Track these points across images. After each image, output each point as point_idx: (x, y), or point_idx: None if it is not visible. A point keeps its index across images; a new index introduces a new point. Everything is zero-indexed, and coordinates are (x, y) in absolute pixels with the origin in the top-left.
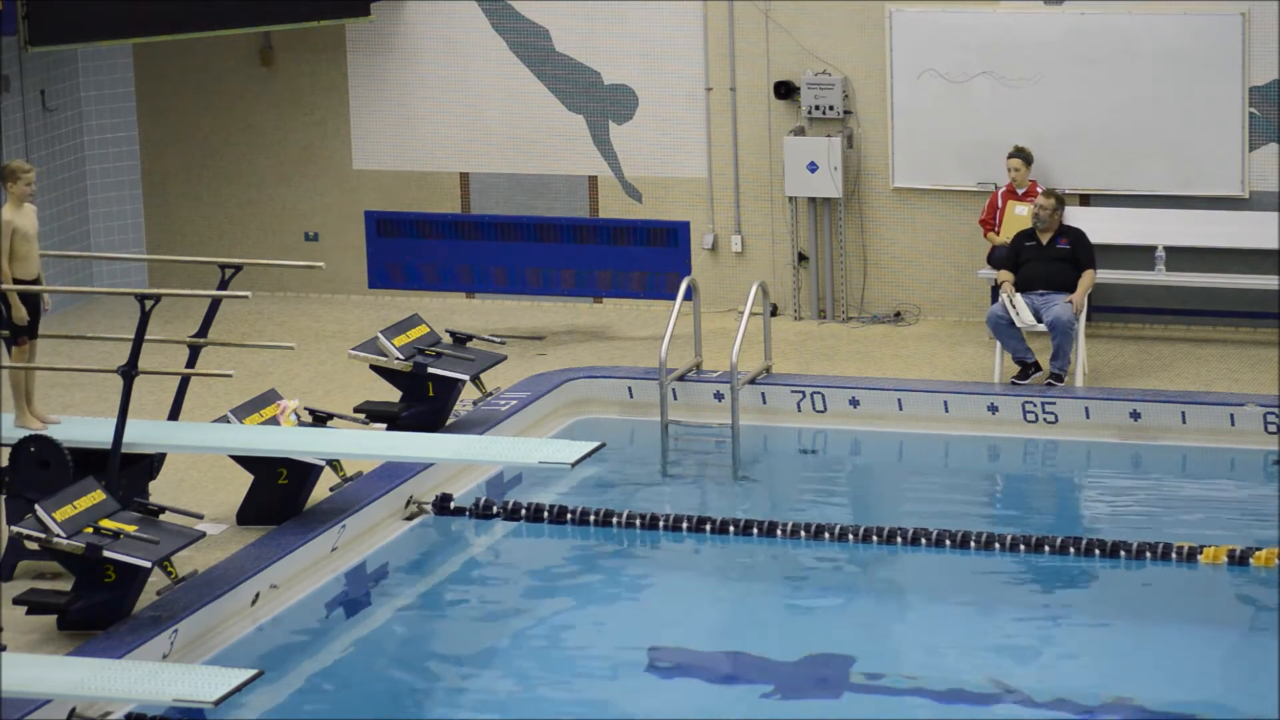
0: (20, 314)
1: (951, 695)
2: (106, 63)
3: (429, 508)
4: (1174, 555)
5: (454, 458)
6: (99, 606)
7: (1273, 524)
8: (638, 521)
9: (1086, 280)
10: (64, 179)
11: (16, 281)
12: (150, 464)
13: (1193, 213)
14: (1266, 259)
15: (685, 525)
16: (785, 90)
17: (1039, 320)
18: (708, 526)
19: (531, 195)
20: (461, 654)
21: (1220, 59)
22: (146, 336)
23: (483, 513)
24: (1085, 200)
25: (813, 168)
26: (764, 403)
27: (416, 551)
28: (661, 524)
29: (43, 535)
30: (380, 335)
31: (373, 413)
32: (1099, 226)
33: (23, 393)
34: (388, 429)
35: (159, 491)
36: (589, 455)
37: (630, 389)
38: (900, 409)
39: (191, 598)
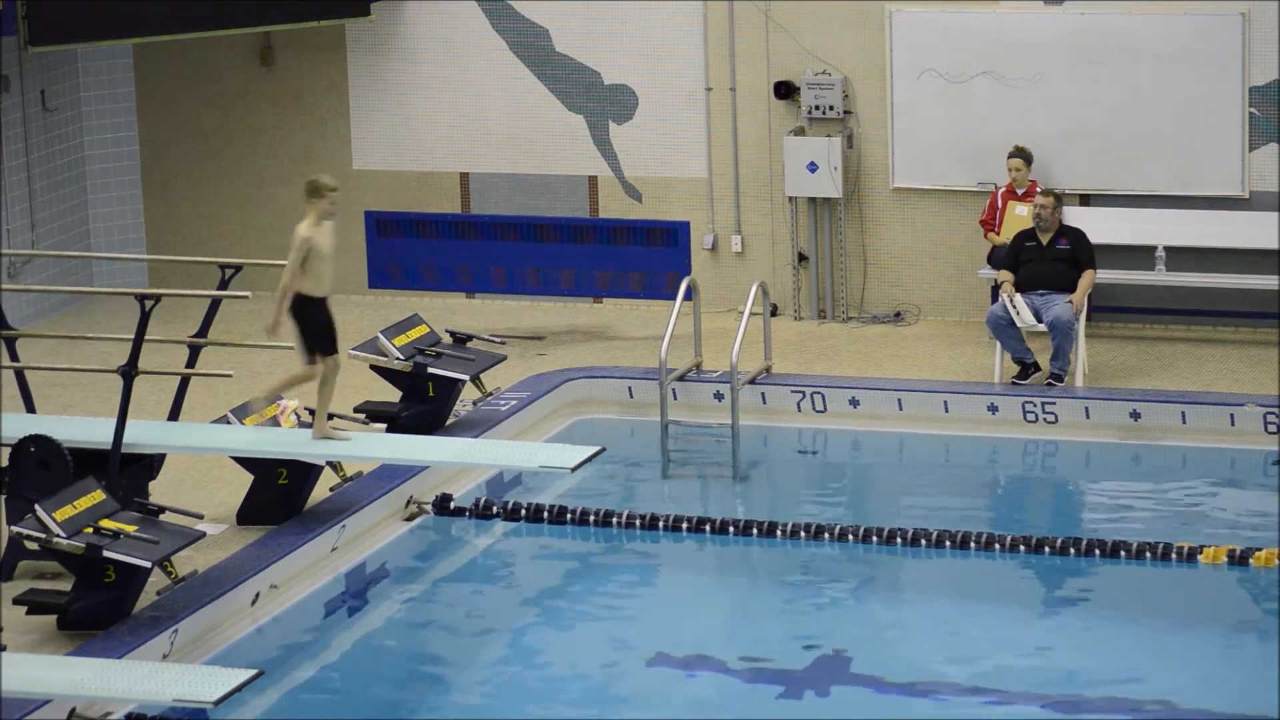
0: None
1: (952, 695)
2: (106, 63)
3: (429, 508)
4: (1174, 555)
5: (454, 461)
6: (99, 606)
7: (1273, 524)
8: (638, 521)
9: (1086, 280)
10: (64, 179)
11: (306, 298)
12: (150, 464)
13: (1193, 213)
14: (1266, 259)
15: (685, 525)
16: (785, 90)
17: (1039, 320)
18: (708, 526)
19: (531, 195)
20: (461, 654)
21: (1220, 59)
22: (146, 336)
23: (483, 513)
24: (1085, 200)
25: (813, 168)
26: (764, 403)
27: (416, 552)
28: (661, 524)
29: (43, 535)
30: (380, 335)
31: (373, 413)
32: (1099, 226)
33: (326, 405)
34: (388, 429)
35: (159, 491)
36: (589, 460)
37: (630, 389)
38: (900, 409)
39: (191, 598)
